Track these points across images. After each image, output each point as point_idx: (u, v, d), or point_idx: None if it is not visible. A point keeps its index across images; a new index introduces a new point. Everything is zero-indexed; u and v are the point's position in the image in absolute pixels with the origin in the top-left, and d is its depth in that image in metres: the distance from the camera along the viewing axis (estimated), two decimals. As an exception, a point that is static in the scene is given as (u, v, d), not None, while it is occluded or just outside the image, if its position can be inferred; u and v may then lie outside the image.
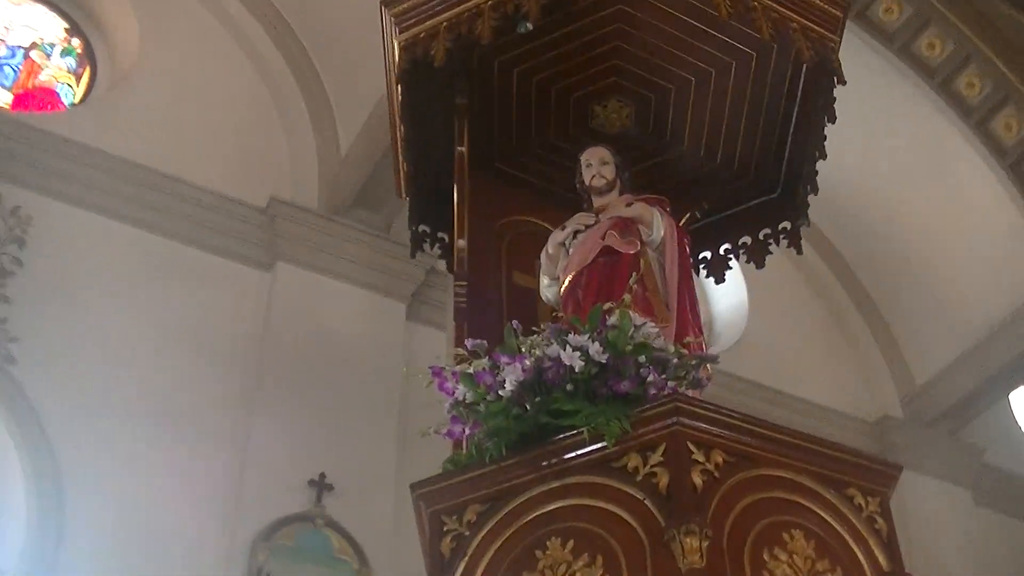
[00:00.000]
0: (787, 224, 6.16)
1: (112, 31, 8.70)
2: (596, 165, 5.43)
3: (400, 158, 5.89)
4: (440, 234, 6.19)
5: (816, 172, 5.78)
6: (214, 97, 8.65)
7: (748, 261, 6.26)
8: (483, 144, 5.87)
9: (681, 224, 5.47)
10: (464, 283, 5.40)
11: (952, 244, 9.50)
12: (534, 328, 4.37)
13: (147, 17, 8.59)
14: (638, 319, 4.21)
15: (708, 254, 6.27)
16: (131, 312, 7.50)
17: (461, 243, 5.45)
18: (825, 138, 5.63)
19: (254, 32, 8.96)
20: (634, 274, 4.76)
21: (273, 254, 8.27)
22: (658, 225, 5.16)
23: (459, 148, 5.60)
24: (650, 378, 4.08)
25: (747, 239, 6.26)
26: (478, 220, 5.66)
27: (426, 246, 6.17)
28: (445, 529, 4.08)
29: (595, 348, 4.06)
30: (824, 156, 5.65)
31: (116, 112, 8.17)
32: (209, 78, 8.70)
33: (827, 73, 5.49)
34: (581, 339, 4.11)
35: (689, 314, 4.94)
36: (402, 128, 5.57)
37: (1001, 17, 9.16)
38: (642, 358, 4.12)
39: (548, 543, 3.87)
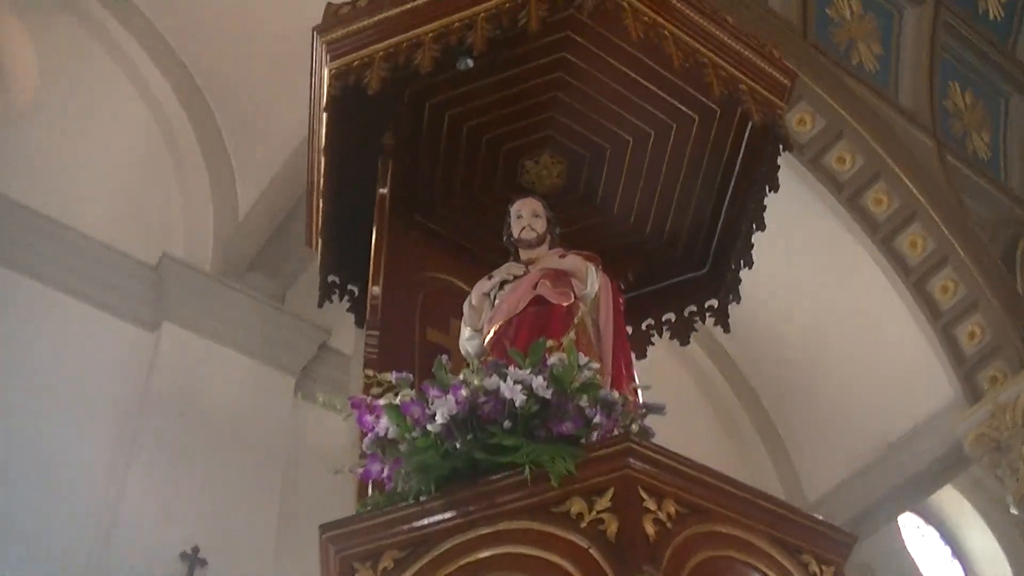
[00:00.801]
0: (714, 302, 5.82)
1: (9, 65, 8.11)
2: (527, 217, 5.06)
3: (315, 200, 5.49)
4: (350, 286, 5.76)
5: (752, 246, 5.48)
6: (110, 146, 8.11)
7: (672, 338, 5.91)
8: (404, 192, 5.53)
9: (610, 288, 5.08)
10: (376, 332, 5.01)
11: (851, 358, 9.33)
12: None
13: (48, 56, 8.06)
14: (583, 358, 3.77)
15: (629, 329, 5.85)
16: (-1, 357, 6.76)
17: (375, 290, 5.07)
18: (764, 208, 5.37)
19: (158, 85, 8.49)
20: (571, 329, 4.34)
21: (160, 314, 7.68)
22: (592, 280, 4.79)
23: (381, 190, 5.23)
24: (596, 419, 3.63)
25: (671, 315, 5.91)
26: (393, 270, 5.30)
27: (335, 298, 5.77)
28: (356, 577, 3.52)
29: (538, 382, 3.62)
30: (762, 227, 5.38)
31: (5, 149, 7.53)
32: (107, 126, 8.17)
33: (770, 140, 5.24)
34: (522, 373, 3.64)
35: (624, 372, 4.52)
36: (323, 163, 5.14)
37: (910, 137, 9.20)
38: (585, 398, 3.67)
39: (477, 595, 3.33)
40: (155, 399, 7.33)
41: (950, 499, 11.06)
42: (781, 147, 5.20)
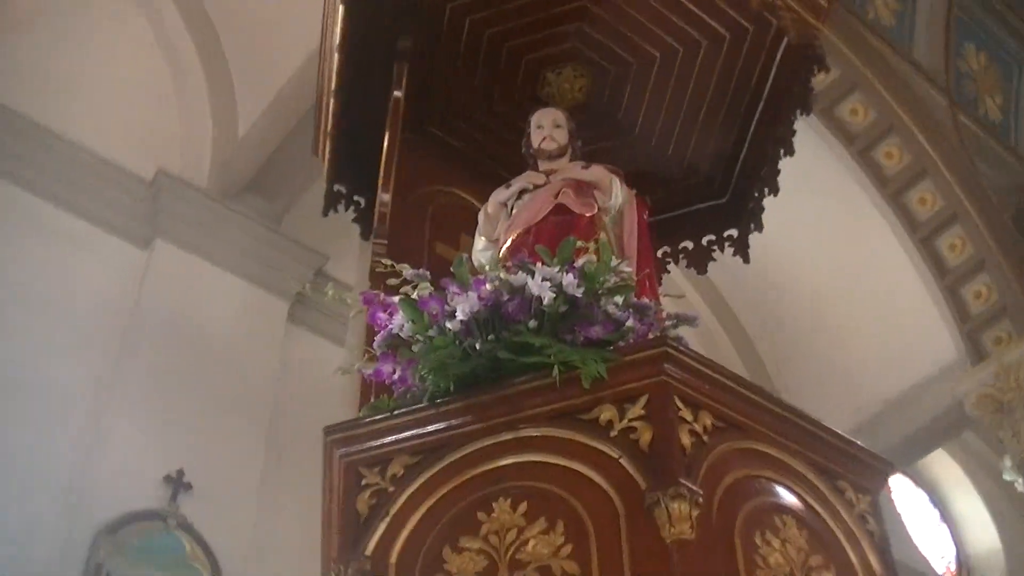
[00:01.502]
0: (734, 232, 5.50)
1: (10, -27, 7.71)
2: (548, 127, 4.73)
3: (325, 102, 5.15)
4: (356, 197, 5.43)
5: (778, 172, 5.16)
6: (110, 59, 7.75)
7: (688, 266, 5.59)
8: (418, 101, 5.18)
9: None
10: (384, 241, 4.71)
11: (852, 311, 9.05)
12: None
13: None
14: (615, 259, 3.45)
15: (645, 252, 5.57)
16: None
17: (385, 198, 4.77)
18: (794, 133, 5.05)
19: (161, -1, 8.06)
20: (599, 236, 4.03)
21: (152, 230, 7.37)
22: (617, 192, 4.46)
23: (396, 93, 4.89)
24: (629, 323, 3.28)
25: (688, 244, 5.58)
26: (403, 181, 5.00)
27: (340, 208, 5.47)
28: (364, 483, 3.22)
29: (568, 280, 3.28)
30: (791, 152, 5.07)
31: (3, 56, 7.14)
32: (108, 38, 7.80)
33: (804, 62, 4.91)
34: (551, 270, 3.30)
35: (648, 289, 4.19)
36: (336, 61, 4.78)
37: (925, 93, 8.89)
38: (618, 299, 3.33)
39: (495, 504, 3.03)
40: (144, 317, 7.03)
41: (941, 463, 10.83)
42: (816, 69, 4.83)
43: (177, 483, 6.50)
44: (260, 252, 7.66)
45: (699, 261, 5.59)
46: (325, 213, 5.32)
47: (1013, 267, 8.42)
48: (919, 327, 8.73)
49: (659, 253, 5.60)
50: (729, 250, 5.63)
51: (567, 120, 4.86)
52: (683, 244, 5.64)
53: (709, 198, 5.57)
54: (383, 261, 3.56)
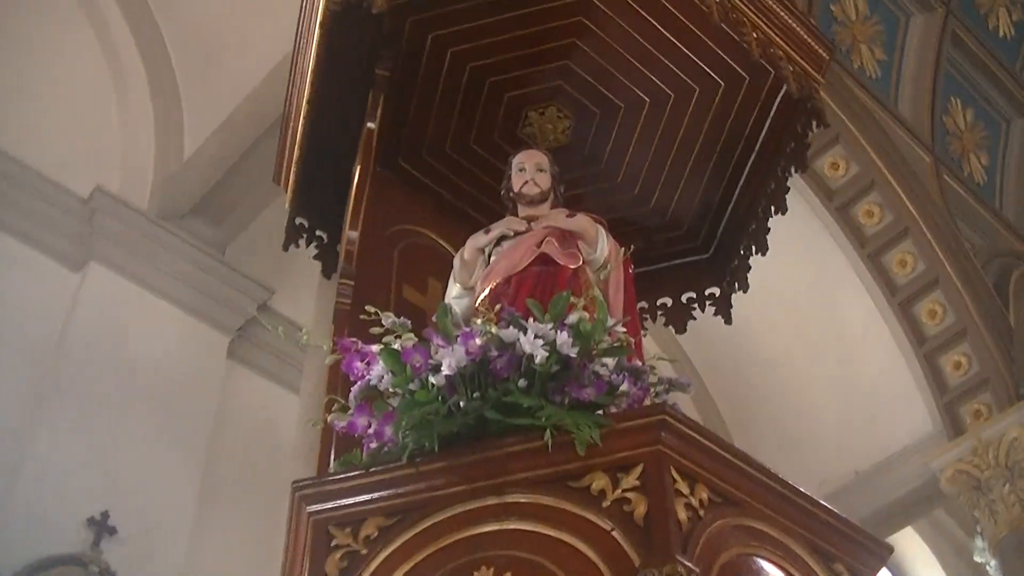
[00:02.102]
0: (716, 290, 5.59)
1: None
2: (531, 170, 4.79)
3: (292, 129, 5.18)
4: (319, 232, 5.43)
5: (768, 230, 5.26)
6: (49, 66, 7.68)
7: (666, 324, 5.66)
8: (392, 134, 5.22)
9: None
10: (351, 283, 4.72)
11: (824, 375, 9.15)
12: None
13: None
14: (612, 318, 3.51)
15: (619, 308, 5.64)
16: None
17: (353, 235, 4.81)
18: (787, 189, 5.14)
19: (108, 10, 8.04)
20: (590, 292, 4.08)
21: (87, 252, 7.33)
22: (603, 244, 4.52)
23: (370, 124, 4.93)
24: (623, 387, 3.34)
25: (667, 300, 5.66)
26: (371, 218, 5.04)
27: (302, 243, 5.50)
28: (334, 544, 3.23)
29: (563, 338, 3.31)
30: (783, 210, 5.16)
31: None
32: (48, 45, 7.73)
33: (801, 117, 5.03)
34: (544, 327, 3.35)
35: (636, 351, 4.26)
36: (308, 87, 4.79)
37: (908, 149, 9.08)
38: (610, 362, 3.39)
39: (477, 573, 3.04)
40: (73, 345, 6.97)
41: (908, 540, 10.96)
42: (814, 125, 4.94)
43: (101, 526, 6.44)
44: (201, 281, 7.64)
45: (678, 319, 5.67)
46: (286, 247, 5.31)
47: (994, 337, 8.58)
48: (894, 396, 8.84)
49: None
50: (709, 309, 5.68)
51: (550, 164, 4.92)
52: (662, 300, 5.71)
53: (692, 253, 5.66)
54: (368, 309, 3.56)
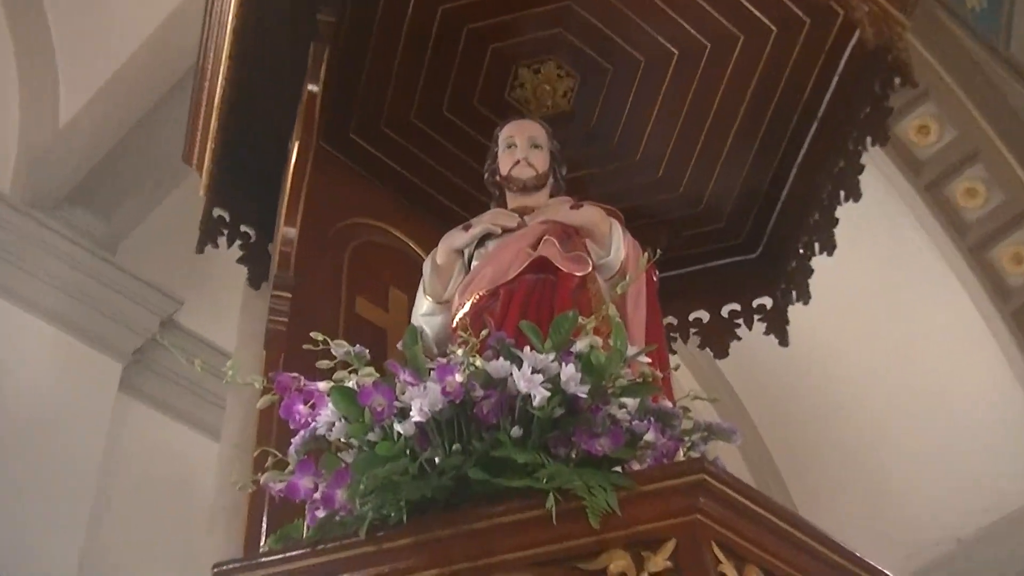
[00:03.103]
0: (767, 300, 5.69)
1: None
2: (523, 147, 4.87)
3: (206, 98, 5.26)
4: (245, 228, 5.51)
5: (836, 222, 5.35)
6: None
7: (702, 346, 5.75)
8: (339, 100, 5.33)
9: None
10: (287, 294, 4.78)
11: (914, 416, 9.02)
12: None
13: None
14: (633, 347, 3.59)
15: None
16: None
17: (290, 233, 4.84)
18: (861, 169, 5.21)
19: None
20: (598, 307, 4.15)
21: (-73, 255, 7.29)
22: (619, 243, 4.53)
23: (311, 87, 4.97)
24: (648, 435, 3.42)
25: (703, 314, 5.75)
26: (315, 211, 5.08)
27: (221, 241, 5.52)
28: (270, 643, 3.25)
29: (570, 373, 3.38)
30: (857, 197, 5.23)
31: None
32: None
33: (879, 72, 5.08)
34: (544, 358, 3.42)
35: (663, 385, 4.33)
36: (229, 39, 4.86)
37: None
38: (629, 402, 3.47)
39: None
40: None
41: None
42: (897, 82, 5.01)
43: (-31, 583, 6.49)
44: (85, 290, 7.65)
45: (718, 340, 5.75)
46: (200, 248, 5.36)
47: None
48: (1005, 442, 8.69)
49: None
50: (758, 325, 5.77)
51: (548, 138, 4.99)
52: (696, 315, 5.79)
53: (734, 253, 5.78)
54: (315, 337, 3.62)
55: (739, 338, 5.69)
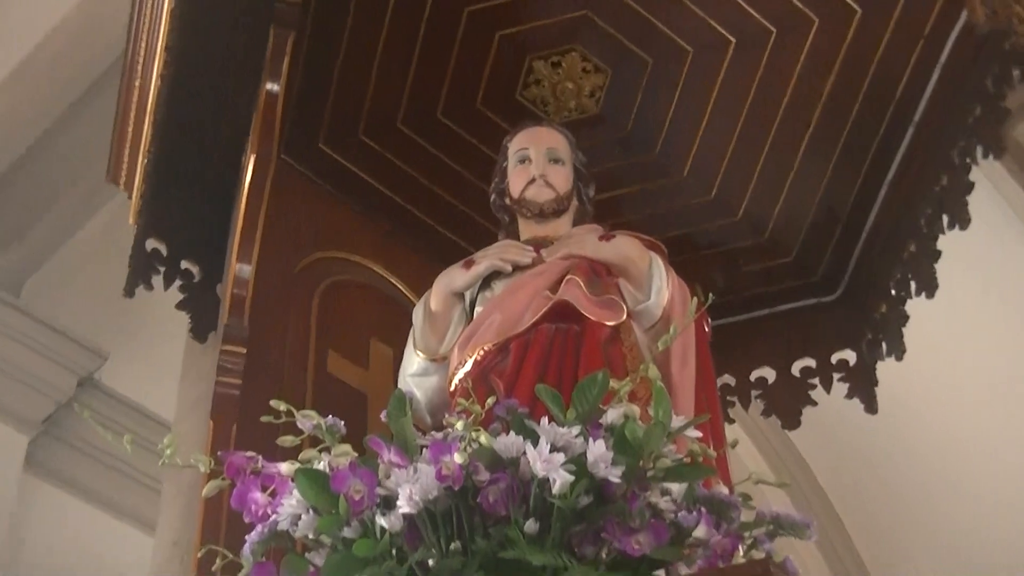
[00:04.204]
0: (849, 355, 5.71)
1: None
2: (539, 161, 4.91)
3: (140, 103, 5.31)
4: (187, 264, 5.54)
5: (938, 255, 5.37)
6: None
7: (767, 413, 5.79)
8: (307, 102, 5.39)
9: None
10: (240, 350, 4.80)
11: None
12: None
13: None
14: (678, 418, 3.62)
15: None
16: None
17: (243, 270, 4.89)
18: (970, 187, 5.23)
19: None
20: (635, 365, 4.18)
21: None
22: (659, 284, 4.57)
23: (270, 85, 5.00)
24: (698, 530, 3.44)
25: (767, 373, 5.77)
26: (274, 243, 5.12)
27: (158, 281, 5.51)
28: None
29: (599, 452, 3.40)
30: (965, 223, 5.25)
31: None
32: None
33: (994, 62, 5.10)
34: (565, 432, 3.45)
35: (720, 465, 4.37)
36: (169, 25, 4.90)
37: None
38: (674, 488, 3.50)
39: None
40: None
41: None
42: (1017, 76, 5.03)
43: None
44: (-18, 340, 7.71)
45: (788, 406, 5.73)
46: (130, 290, 5.39)
47: None
48: None
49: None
50: (838, 386, 5.78)
51: (572, 149, 5.03)
52: (759, 373, 5.80)
53: (807, 294, 5.82)
54: (276, 405, 3.65)
55: (814, 403, 5.66)
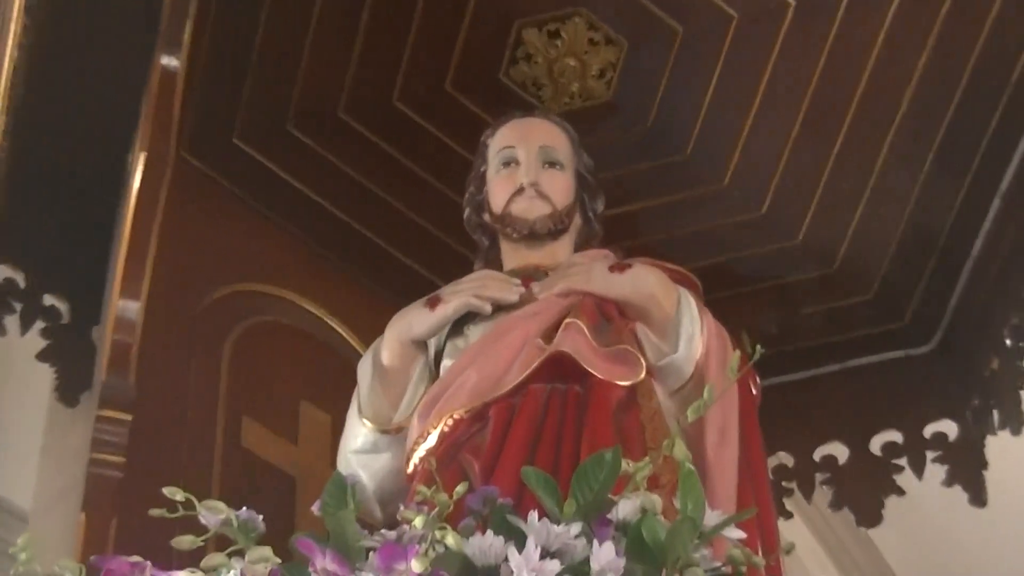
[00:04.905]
0: (950, 427, 5.72)
1: None
2: (532, 164, 4.88)
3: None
4: (51, 299, 5.54)
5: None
6: None
7: (837, 506, 5.78)
8: (215, 83, 5.37)
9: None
10: (124, 415, 4.81)
11: None
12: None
13: None
14: (713, 512, 3.61)
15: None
16: None
17: (130, 309, 4.83)
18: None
19: None
20: (657, 440, 4.17)
21: None
22: (690, 331, 4.54)
23: (166, 60, 4.98)
24: (742, 671, 3.44)
25: (838, 451, 5.78)
26: (172, 273, 5.11)
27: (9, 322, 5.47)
28: None
29: (607, 556, 3.40)
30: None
31: None
32: None
33: None
34: (562, 530, 3.44)
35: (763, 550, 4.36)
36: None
37: None
38: (713, 598, 3.49)
39: None
40: None
41: None
42: None
43: None
44: None
45: (866, 494, 5.74)
46: (-27, 341, 5.39)
47: None
48: None
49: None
50: (933, 468, 5.79)
51: (574, 149, 5.02)
52: (825, 451, 5.81)
53: (892, 345, 5.84)
54: (171, 494, 3.63)
55: (901, 492, 5.65)
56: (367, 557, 3.30)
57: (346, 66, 5.37)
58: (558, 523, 3.36)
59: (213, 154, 5.34)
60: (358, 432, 4.70)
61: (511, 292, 4.66)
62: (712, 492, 4.23)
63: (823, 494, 5.58)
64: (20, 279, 5.43)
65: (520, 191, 4.84)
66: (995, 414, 5.56)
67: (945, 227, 5.35)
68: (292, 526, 4.86)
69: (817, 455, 5.57)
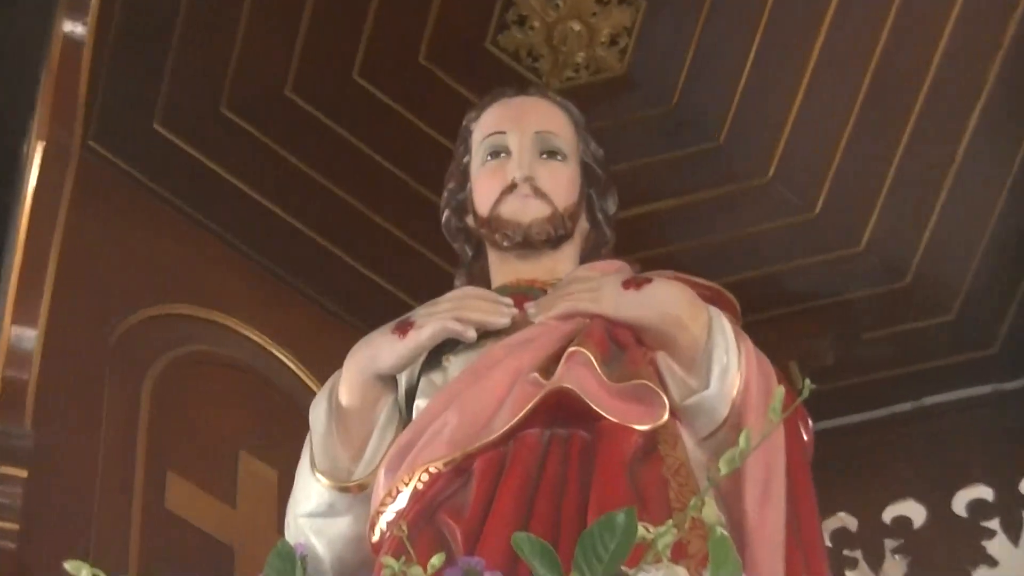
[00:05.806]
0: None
1: None
2: (526, 154, 4.89)
3: None
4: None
5: None
6: None
7: (902, 550, 5.82)
8: (130, 62, 5.38)
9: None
10: (19, 472, 4.87)
11: None
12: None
13: None
14: (752, 585, 3.64)
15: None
16: None
17: (25, 337, 4.87)
18: None
19: None
20: (682, 496, 4.18)
21: None
22: (724, 361, 4.57)
23: (70, 28, 5.03)
24: None
25: (915, 510, 5.82)
26: (76, 292, 5.14)
27: None
28: None
29: (616, 642, 3.45)
30: None
31: None
32: None
33: None
34: (559, 605, 3.49)
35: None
36: None
37: None
38: None
39: None
40: None
41: None
42: None
43: None
44: None
45: (948, 562, 5.77)
46: None
47: None
48: None
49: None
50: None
51: (578, 136, 5.06)
52: (897, 510, 5.84)
53: (977, 377, 5.90)
54: (73, 570, 3.68)
55: (994, 562, 5.68)
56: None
57: (294, 33, 5.35)
58: (553, 593, 3.36)
59: (129, 143, 5.35)
60: (311, 490, 4.68)
61: (500, 314, 4.65)
62: (753, 563, 4.24)
63: (895, 565, 5.55)
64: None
65: (511, 188, 4.84)
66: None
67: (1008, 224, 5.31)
68: (225, 606, 4.86)
69: (887, 516, 5.56)
